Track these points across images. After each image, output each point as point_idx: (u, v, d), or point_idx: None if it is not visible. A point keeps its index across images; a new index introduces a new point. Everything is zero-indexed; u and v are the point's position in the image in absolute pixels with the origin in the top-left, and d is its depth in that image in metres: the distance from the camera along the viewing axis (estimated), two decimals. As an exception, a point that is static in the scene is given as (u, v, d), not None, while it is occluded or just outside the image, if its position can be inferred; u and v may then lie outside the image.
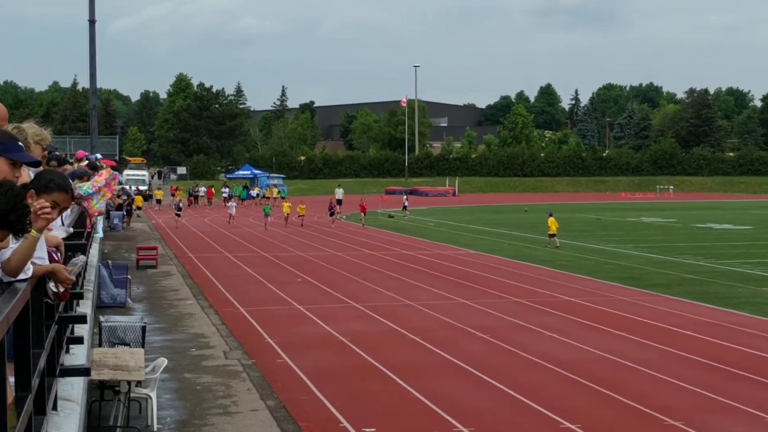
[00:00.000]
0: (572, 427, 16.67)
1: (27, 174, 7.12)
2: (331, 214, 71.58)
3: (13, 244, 6.46)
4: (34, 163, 6.88)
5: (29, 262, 6.87)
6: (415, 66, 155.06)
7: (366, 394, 19.03)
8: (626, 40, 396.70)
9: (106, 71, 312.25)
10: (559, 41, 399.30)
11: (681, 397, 18.97)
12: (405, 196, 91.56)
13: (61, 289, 8.13)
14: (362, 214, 70.66)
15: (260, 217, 68.07)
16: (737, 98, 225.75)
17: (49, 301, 8.38)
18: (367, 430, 16.42)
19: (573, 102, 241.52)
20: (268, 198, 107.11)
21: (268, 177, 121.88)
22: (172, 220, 70.65)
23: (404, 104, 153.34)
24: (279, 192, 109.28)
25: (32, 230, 6.09)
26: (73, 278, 8.31)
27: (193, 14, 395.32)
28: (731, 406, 18.12)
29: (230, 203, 77.91)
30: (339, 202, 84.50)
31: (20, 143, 6.51)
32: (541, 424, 16.96)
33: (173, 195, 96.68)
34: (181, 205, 72.35)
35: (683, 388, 19.63)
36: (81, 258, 8.98)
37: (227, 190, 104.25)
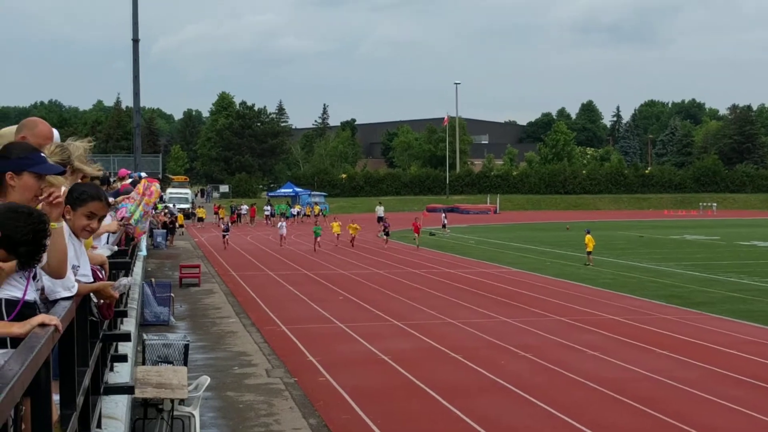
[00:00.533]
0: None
1: (61, 182, 7.10)
2: (386, 234, 67.46)
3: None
4: (60, 172, 6.87)
5: (74, 279, 6.91)
6: (456, 83, 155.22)
7: (407, 413, 19.01)
8: (667, 57, 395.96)
9: (150, 90, 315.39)
10: (599, 58, 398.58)
11: (724, 416, 18.84)
12: (444, 214, 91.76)
13: (102, 302, 8.19)
14: (416, 234, 66.23)
15: (304, 234, 68.12)
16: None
17: (93, 318, 8.44)
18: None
19: (615, 119, 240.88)
20: (308, 216, 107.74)
21: (309, 195, 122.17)
22: (215, 238, 71.03)
23: (446, 123, 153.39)
24: (321, 210, 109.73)
25: (52, 222, 6.08)
26: (117, 294, 8.36)
27: (234, 33, 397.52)
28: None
29: (280, 223, 70.94)
30: (380, 219, 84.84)
31: (43, 154, 6.53)
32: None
33: (216, 213, 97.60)
34: (230, 225, 72.12)
35: (726, 407, 19.50)
36: (128, 279, 9.00)
37: (269, 208, 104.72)
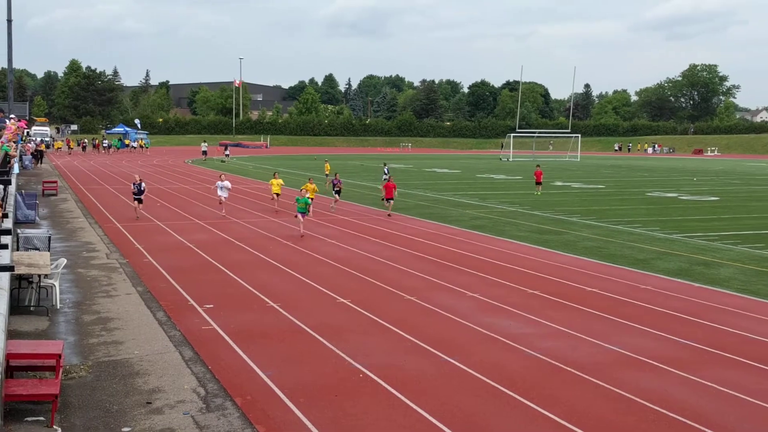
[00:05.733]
0: (345, 301, 16.98)
1: None
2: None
3: None
4: None
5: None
6: (240, 58, 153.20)
7: (206, 282, 18.87)
8: (385, 46, 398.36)
9: (21, 56, 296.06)
10: (342, 45, 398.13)
11: (415, 280, 19.53)
12: (226, 147, 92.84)
13: None
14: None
15: (133, 160, 65.62)
16: (452, 86, 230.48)
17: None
18: (207, 305, 16.33)
19: (347, 86, 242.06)
20: (136, 147, 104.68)
21: (135, 133, 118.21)
22: (67, 162, 67.71)
23: (237, 84, 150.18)
24: (144, 144, 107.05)
25: None
26: None
27: (88, 16, 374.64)
28: (443, 285, 18.81)
29: (219, 183, 34.81)
30: (204, 153, 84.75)
31: None
32: (324, 300, 17.18)
33: (68, 145, 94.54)
34: (84, 146, 68.80)
35: (415, 275, 20.22)
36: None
37: (107, 141, 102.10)
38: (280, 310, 16.10)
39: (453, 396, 11.08)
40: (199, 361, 12.60)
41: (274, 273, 20.31)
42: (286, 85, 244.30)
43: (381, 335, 14.30)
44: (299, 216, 27.18)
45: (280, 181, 36.13)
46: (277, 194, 35.26)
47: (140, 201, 31.71)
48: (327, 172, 52.58)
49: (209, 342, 13.66)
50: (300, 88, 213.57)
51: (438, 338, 14.08)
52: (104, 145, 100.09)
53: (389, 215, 33.17)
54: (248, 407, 10.48)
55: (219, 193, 33.30)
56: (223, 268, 20.68)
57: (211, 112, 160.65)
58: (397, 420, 10.12)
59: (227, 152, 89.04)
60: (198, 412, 10.31)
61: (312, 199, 30.43)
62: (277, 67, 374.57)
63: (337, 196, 36.03)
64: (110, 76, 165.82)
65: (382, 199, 34.38)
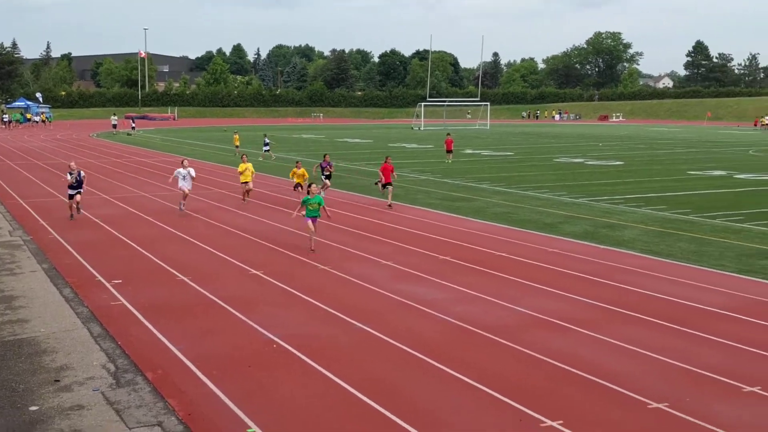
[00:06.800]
0: (257, 273, 16.86)
1: None
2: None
3: None
4: None
5: None
6: (145, 29, 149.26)
7: (115, 258, 18.47)
8: (294, 17, 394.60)
9: None
10: (251, 18, 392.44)
11: (329, 250, 19.49)
12: (132, 120, 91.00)
13: None
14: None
15: (35, 134, 63.68)
16: (363, 56, 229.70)
17: None
18: (115, 281, 16.00)
19: (256, 56, 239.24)
20: (38, 122, 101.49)
21: (37, 107, 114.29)
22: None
23: (142, 55, 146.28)
24: (47, 118, 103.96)
25: None
26: None
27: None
28: (357, 255, 18.84)
29: (180, 171, 26.70)
30: (114, 126, 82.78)
31: None
32: (236, 272, 17.06)
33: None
34: None
35: (329, 245, 20.19)
36: None
37: (7, 116, 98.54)
38: (191, 283, 15.89)
39: (367, 363, 11.15)
40: (108, 337, 12.35)
41: (183, 246, 20.01)
42: (193, 56, 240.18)
43: (295, 306, 14.26)
44: (309, 223, 19.58)
45: (249, 165, 28.22)
46: (247, 182, 28.00)
47: (77, 194, 24.30)
48: (237, 144, 52.02)
49: (118, 317, 13.40)
50: (208, 58, 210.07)
51: (352, 307, 14.12)
52: (5, 119, 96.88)
53: (390, 206, 27.07)
54: (159, 381, 10.33)
55: (181, 183, 25.75)
56: (132, 243, 20.27)
57: (116, 85, 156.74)
58: (312, 388, 10.13)
59: (133, 125, 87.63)
60: (108, 388, 10.12)
61: (301, 185, 27.38)
62: (184, 38, 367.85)
63: (327, 181, 29.65)
64: (9, 48, 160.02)
65: (377, 183, 28.85)
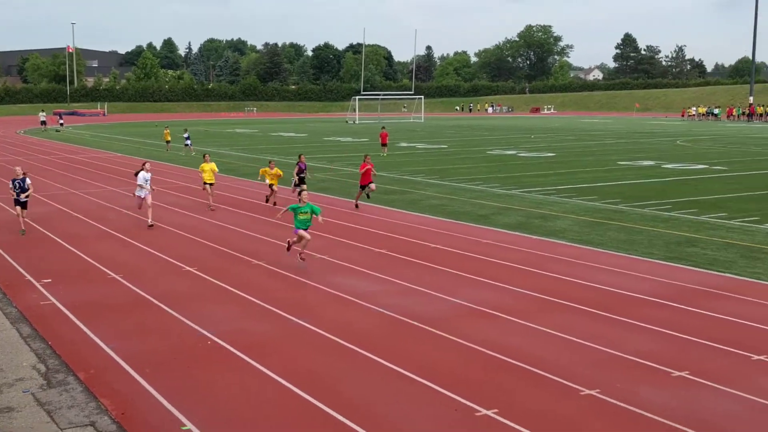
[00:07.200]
0: (191, 269, 16.69)
1: None
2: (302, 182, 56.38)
3: None
4: None
5: None
6: (73, 23, 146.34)
7: (45, 257, 18.09)
8: (227, 11, 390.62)
9: None
10: (184, 11, 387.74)
11: (263, 245, 19.38)
12: (59, 116, 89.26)
13: None
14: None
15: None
16: (296, 49, 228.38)
17: None
18: (45, 280, 15.68)
19: (187, 50, 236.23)
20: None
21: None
22: None
23: (71, 50, 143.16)
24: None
25: None
26: None
27: None
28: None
29: (143, 175, 22.49)
30: (43, 123, 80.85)
31: None
32: (168, 269, 16.82)
33: None
34: None
35: (264, 240, 20.08)
36: None
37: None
38: (123, 281, 15.66)
39: (303, 357, 11.14)
40: (38, 337, 12.11)
41: (115, 244, 19.69)
42: (122, 51, 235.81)
43: (229, 302, 14.17)
44: (301, 234, 16.82)
45: (213, 165, 25.78)
46: (210, 184, 25.37)
47: (24, 205, 21.35)
48: (168, 140, 51.38)
49: (48, 317, 13.14)
50: (138, 53, 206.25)
51: (287, 301, 14.08)
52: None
53: (357, 206, 25.48)
54: (92, 381, 10.17)
55: (136, 192, 22.37)
56: (61, 242, 19.88)
57: (44, 80, 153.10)
58: (247, 384, 10.08)
59: (61, 121, 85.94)
60: (39, 389, 9.92)
61: (274, 185, 25.37)
62: (113, 32, 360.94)
63: (304, 186, 23.01)
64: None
65: (361, 187, 25.69)
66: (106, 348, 11.50)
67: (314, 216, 16.95)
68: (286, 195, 26.93)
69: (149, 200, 22.00)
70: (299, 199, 17.14)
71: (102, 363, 10.88)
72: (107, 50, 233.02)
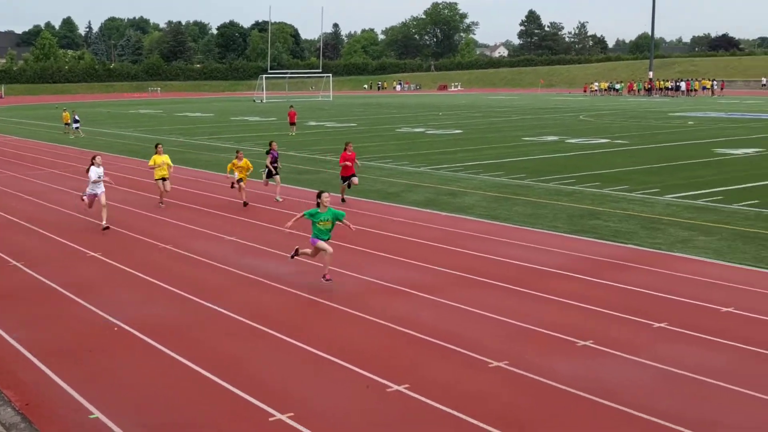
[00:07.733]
0: (96, 255, 16.33)
1: None
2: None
3: None
4: None
5: None
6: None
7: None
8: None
9: None
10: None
11: (171, 228, 19.10)
12: None
13: None
14: None
15: None
16: (200, 28, 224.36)
17: None
18: (-59, 270, 15.12)
19: (87, 29, 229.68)
20: None
21: None
22: None
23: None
24: None
25: None
26: None
27: None
28: (200, 232, 18.56)
29: (94, 171, 19.13)
30: None
31: None
32: (72, 255, 16.43)
33: None
34: None
35: (171, 222, 19.76)
36: None
37: None
38: (24, 269, 15.21)
39: (213, 340, 11.04)
40: (-66, 330, 11.68)
41: (15, 231, 19.10)
42: (19, 30, 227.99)
43: (136, 287, 13.91)
44: (321, 246, 13.71)
45: (166, 158, 22.22)
46: (164, 179, 22.02)
47: None
48: (66, 122, 49.96)
49: (-55, 309, 12.67)
50: (35, 32, 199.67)
51: (196, 284, 13.92)
52: None
53: (343, 200, 22.37)
54: (-7, 373, 9.87)
55: (90, 190, 19.31)
56: (-42, 229, 19.18)
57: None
58: (156, 369, 9.94)
59: None
60: (-64, 384, 9.58)
61: (243, 180, 22.10)
62: (9, 11, 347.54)
63: (277, 177, 23.13)
64: None
65: (342, 179, 22.61)
66: (9, 338, 11.17)
67: (338, 222, 13.91)
68: (256, 188, 24.39)
69: (103, 199, 19.08)
70: (317, 203, 13.87)
71: (5, 353, 10.57)
72: (3, 30, 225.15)
